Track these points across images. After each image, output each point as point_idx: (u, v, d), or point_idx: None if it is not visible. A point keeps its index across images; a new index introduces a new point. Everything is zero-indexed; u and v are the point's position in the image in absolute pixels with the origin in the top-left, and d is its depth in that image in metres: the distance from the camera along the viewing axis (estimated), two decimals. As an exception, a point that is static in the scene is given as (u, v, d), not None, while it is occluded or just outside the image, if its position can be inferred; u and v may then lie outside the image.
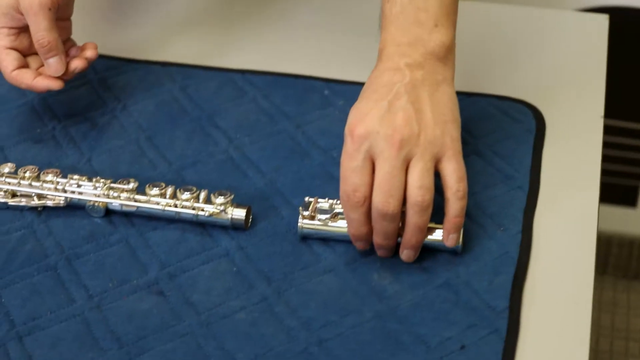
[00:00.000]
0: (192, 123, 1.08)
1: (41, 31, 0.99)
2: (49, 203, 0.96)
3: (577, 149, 1.02)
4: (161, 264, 0.91)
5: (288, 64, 1.16)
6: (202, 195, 0.93)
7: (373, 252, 0.90)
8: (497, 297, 0.85)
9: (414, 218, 0.85)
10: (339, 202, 0.90)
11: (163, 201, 0.94)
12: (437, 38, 0.89)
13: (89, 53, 1.06)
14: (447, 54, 0.90)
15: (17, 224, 0.96)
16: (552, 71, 1.13)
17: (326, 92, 1.11)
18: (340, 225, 0.90)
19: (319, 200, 0.91)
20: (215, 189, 0.95)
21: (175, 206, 0.93)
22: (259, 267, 0.90)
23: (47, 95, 1.12)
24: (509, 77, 1.12)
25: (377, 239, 0.87)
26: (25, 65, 1.03)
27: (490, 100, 1.08)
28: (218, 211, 0.92)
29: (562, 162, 1.00)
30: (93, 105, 1.11)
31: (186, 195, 0.93)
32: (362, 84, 1.08)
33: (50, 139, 1.07)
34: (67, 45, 1.07)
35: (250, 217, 0.94)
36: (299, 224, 0.91)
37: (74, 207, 0.96)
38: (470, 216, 0.93)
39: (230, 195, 0.93)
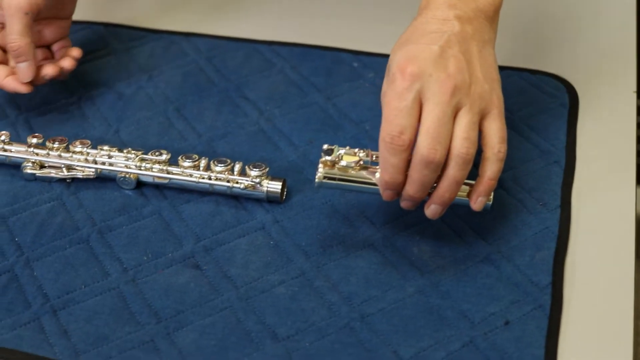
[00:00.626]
0: (220, 94, 1.06)
1: (13, 34, 0.97)
2: (79, 175, 0.94)
3: (611, 124, 1.01)
4: (196, 237, 0.89)
5: (315, 35, 1.14)
6: (237, 167, 0.92)
7: (411, 226, 0.89)
8: (540, 272, 0.84)
9: (453, 170, 0.80)
10: (362, 151, 0.85)
11: (196, 173, 0.92)
12: None
13: (66, 63, 1.03)
14: (494, 16, 0.87)
15: (46, 196, 0.94)
16: (583, 46, 1.12)
17: (355, 64, 1.09)
18: (364, 176, 0.85)
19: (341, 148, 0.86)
20: (247, 161, 0.94)
21: (209, 179, 0.91)
22: (296, 241, 0.88)
23: (71, 65, 1.10)
24: (541, 52, 1.10)
25: (411, 190, 0.81)
26: (3, 61, 1.01)
27: (523, 75, 1.06)
28: (253, 184, 0.91)
29: (597, 137, 0.99)
30: (118, 76, 1.10)
31: (220, 167, 0.92)
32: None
33: (77, 109, 1.05)
34: (59, 44, 1.05)
35: (286, 190, 0.92)
36: (318, 173, 0.85)
37: (104, 179, 0.95)
38: (509, 190, 0.92)
39: (265, 168, 0.91)
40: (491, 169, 0.82)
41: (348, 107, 1.03)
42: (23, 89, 1.00)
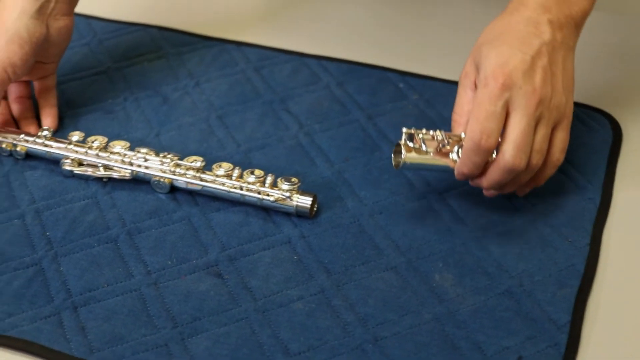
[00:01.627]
0: (264, 105, 1.07)
1: None
2: (115, 175, 0.96)
3: (654, 165, 1.00)
4: (222, 246, 0.90)
5: (364, 53, 1.15)
6: (269, 179, 0.92)
7: (436, 252, 0.89)
8: (560, 310, 0.83)
9: (521, 175, 0.87)
10: (440, 133, 0.88)
11: (229, 182, 0.93)
12: (582, 3, 0.89)
13: (31, 128, 1.04)
14: (582, 23, 0.91)
15: (81, 193, 0.96)
16: (633, 83, 1.10)
17: (401, 84, 1.09)
18: (442, 161, 0.88)
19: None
20: (282, 174, 0.94)
21: (241, 189, 0.92)
22: (320, 257, 0.89)
23: (121, 66, 1.12)
24: (587, 84, 1.09)
25: (487, 185, 0.88)
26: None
27: (568, 107, 1.05)
28: (283, 197, 0.91)
29: (637, 177, 0.97)
30: (166, 80, 1.11)
31: (252, 178, 0.93)
32: (438, 80, 1.07)
33: (121, 110, 1.07)
34: (40, 85, 1.06)
35: (316, 205, 0.93)
36: (403, 156, 0.87)
37: (139, 181, 0.96)
38: (538, 223, 0.91)
39: (297, 183, 0.92)
40: (545, 173, 0.89)
41: (388, 127, 1.03)
42: None
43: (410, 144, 0.87)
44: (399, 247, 0.90)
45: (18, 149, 0.99)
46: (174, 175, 0.94)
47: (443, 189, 0.95)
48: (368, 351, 0.80)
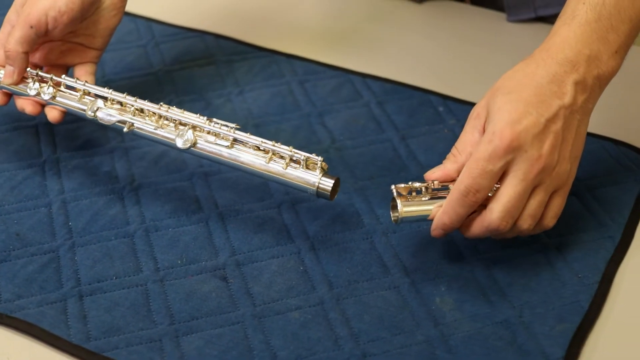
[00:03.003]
0: (301, 118, 1.08)
1: (12, 40, 0.97)
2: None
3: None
4: (232, 251, 0.92)
5: (408, 73, 1.15)
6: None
7: (441, 276, 0.89)
8: (555, 345, 0.82)
9: (505, 232, 0.85)
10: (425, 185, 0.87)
11: (260, 140, 0.91)
12: (612, 65, 0.86)
13: (50, 114, 1.00)
14: (606, 84, 0.87)
15: (109, 188, 0.99)
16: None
17: (441, 108, 1.10)
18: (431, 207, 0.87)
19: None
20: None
21: (267, 152, 0.90)
22: (326, 270, 0.90)
23: (172, 69, 1.16)
24: (629, 123, 1.07)
25: (464, 233, 0.87)
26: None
27: (605, 143, 1.04)
28: (315, 161, 0.88)
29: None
30: (212, 86, 1.14)
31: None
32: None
33: (163, 112, 1.09)
34: (81, 71, 1.04)
35: (338, 189, 0.90)
36: (399, 209, 0.86)
37: (168, 173, 0.99)
38: (550, 257, 0.91)
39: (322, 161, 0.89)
40: (526, 232, 0.87)
41: (419, 149, 1.04)
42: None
43: (404, 197, 0.87)
44: (406, 268, 0.90)
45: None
46: (206, 126, 0.92)
47: (461, 214, 0.95)
48: (354, 366, 0.81)
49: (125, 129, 0.94)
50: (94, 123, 0.97)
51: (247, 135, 0.91)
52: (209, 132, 0.92)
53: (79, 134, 1.06)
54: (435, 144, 1.04)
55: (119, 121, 0.94)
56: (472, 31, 1.24)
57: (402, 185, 0.87)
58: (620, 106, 1.09)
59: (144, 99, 0.96)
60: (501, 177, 0.83)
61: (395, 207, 0.87)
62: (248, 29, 1.24)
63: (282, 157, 0.90)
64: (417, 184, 0.87)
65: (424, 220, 0.88)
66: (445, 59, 1.19)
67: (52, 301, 0.87)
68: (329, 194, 0.88)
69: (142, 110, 0.95)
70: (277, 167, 0.89)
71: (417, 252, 0.91)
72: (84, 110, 0.96)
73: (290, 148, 0.89)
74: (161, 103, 0.94)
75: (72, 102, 0.97)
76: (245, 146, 0.91)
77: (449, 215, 0.85)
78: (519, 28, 1.24)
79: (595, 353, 0.83)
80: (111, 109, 0.95)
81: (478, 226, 0.85)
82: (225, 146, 0.91)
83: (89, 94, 0.97)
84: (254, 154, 0.90)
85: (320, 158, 0.88)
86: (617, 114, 1.08)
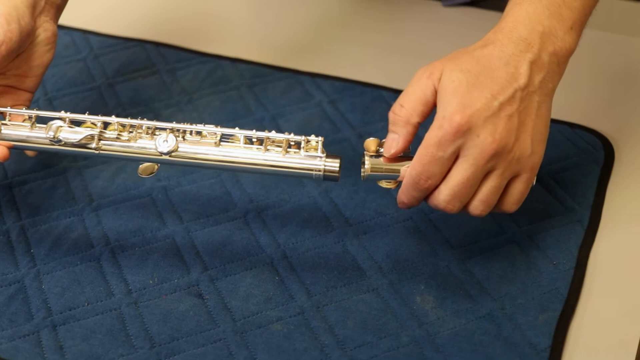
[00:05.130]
0: (254, 123, 1.07)
1: None
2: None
3: (646, 188, 0.98)
4: (204, 266, 0.90)
5: (358, 70, 1.14)
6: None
7: (418, 274, 0.88)
8: (540, 335, 0.83)
9: (461, 211, 0.84)
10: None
11: (252, 133, 0.85)
12: (568, 41, 0.84)
13: None
14: (565, 62, 0.85)
15: (68, 211, 0.96)
16: (629, 103, 1.09)
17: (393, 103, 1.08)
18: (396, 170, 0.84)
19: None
20: (267, 195, 0.94)
21: (266, 144, 0.85)
22: (302, 278, 0.88)
23: (114, 82, 1.13)
24: (578, 103, 1.08)
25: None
26: None
27: (560, 127, 1.04)
28: (314, 147, 0.84)
29: (627, 201, 0.96)
30: (158, 96, 1.11)
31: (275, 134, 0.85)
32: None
33: (112, 126, 1.07)
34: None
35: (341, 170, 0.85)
36: (366, 164, 0.84)
37: (125, 199, 0.96)
38: (523, 246, 0.91)
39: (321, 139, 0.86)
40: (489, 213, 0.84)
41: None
42: None
43: (373, 152, 0.85)
44: (382, 269, 0.89)
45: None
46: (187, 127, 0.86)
47: (429, 209, 0.94)
48: (344, 374, 0.80)
49: (93, 146, 0.85)
50: (53, 153, 0.90)
51: (235, 129, 0.86)
52: (190, 133, 0.87)
53: (26, 156, 1.02)
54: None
55: (86, 137, 0.85)
56: (410, 20, 1.23)
57: (372, 139, 0.86)
58: (570, 88, 1.09)
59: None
60: (453, 163, 0.81)
61: (364, 163, 0.85)
62: (189, 35, 1.21)
63: (278, 146, 0.85)
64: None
65: (394, 179, 0.85)
66: (395, 54, 1.18)
67: (25, 334, 0.84)
68: (337, 175, 0.84)
69: (106, 126, 0.87)
70: (276, 157, 0.84)
71: (390, 252, 0.91)
72: (40, 138, 0.86)
73: (286, 133, 0.85)
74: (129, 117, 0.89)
75: (22, 132, 0.87)
76: (234, 142, 0.86)
77: (406, 197, 0.84)
78: (455, 13, 1.24)
79: (579, 338, 0.83)
80: (72, 127, 0.86)
81: (430, 204, 0.83)
82: (213, 144, 0.85)
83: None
84: (247, 147, 0.85)
85: (320, 138, 0.85)
86: (568, 97, 1.08)
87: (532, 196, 0.94)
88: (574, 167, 1.00)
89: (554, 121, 1.03)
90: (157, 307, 0.86)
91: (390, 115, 0.85)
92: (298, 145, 0.85)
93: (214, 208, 0.96)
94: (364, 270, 0.89)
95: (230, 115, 1.08)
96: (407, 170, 0.83)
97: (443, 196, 0.81)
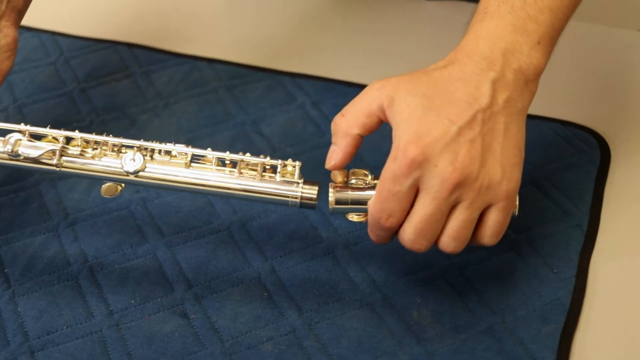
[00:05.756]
0: (235, 128, 1.02)
1: None
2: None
3: (644, 187, 0.95)
4: (188, 283, 0.85)
5: (340, 70, 1.10)
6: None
7: (413, 287, 0.84)
8: (544, 349, 0.79)
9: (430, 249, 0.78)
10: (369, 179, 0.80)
11: (225, 155, 0.81)
12: (536, 57, 0.77)
13: None
14: (534, 80, 0.78)
15: (42, 226, 0.91)
16: (623, 100, 1.05)
17: (379, 103, 1.04)
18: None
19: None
20: (251, 205, 0.91)
21: (240, 167, 0.80)
22: (292, 294, 0.84)
23: (87, 87, 1.08)
24: (575, 102, 1.04)
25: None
26: None
27: (552, 125, 1.01)
28: (291, 172, 0.81)
29: (626, 202, 0.93)
30: (134, 100, 1.06)
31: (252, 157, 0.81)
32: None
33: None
34: None
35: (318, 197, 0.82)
36: (330, 199, 0.79)
37: (102, 213, 0.92)
38: (522, 254, 0.87)
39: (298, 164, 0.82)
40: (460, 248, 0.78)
41: (364, 150, 0.97)
42: None
43: (339, 184, 0.80)
44: (375, 282, 0.85)
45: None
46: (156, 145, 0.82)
47: (422, 216, 0.90)
48: (341, 397, 0.76)
49: (54, 163, 0.81)
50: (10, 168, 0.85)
51: (207, 150, 0.82)
52: (160, 152, 0.82)
53: (-4, 169, 0.98)
54: (380, 143, 0.98)
55: (47, 153, 0.81)
56: (393, 16, 1.19)
57: (339, 171, 0.81)
58: (561, 84, 1.06)
59: (63, 125, 0.87)
60: (418, 192, 0.75)
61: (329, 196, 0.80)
62: (163, 35, 1.17)
63: (252, 169, 0.81)
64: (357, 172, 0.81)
65: (363, 212, 0.80)
66: (380, 52, 1.13)
67: (1, 362, 0.79)
68: (314, 203, 0.80)
69: (69, 141, 0.83)
70: (250, 182, 0.80)
71: (383, 263, 0.87)
72: None
73: (261, 156, 0.81)
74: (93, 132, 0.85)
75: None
76: (205, 163, 0.81)
77: (373, 235, 0.79)
78: (438, 7, 1.20)
79: (584, 352, 0.79)
80: (32, 141, 0.82)
81: (398, 239, 0.78)
82: (183, 165, 0.81)
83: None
84: (219, 170, 0.81)
85: (298, 163, 0.81)
86: (561, 94, 1.05)
87: (530, 200, 0.91)
88: (570, 168, 0.96)
89: (544, 119, 1.01)
90: (141, 328, 0.81)
91: (332, 125, 0.80)
92: (274, 169, 0.81)
93: (196, 220, 0.91)
94: (356, 283, 0.85)
95: (210, 120, 1.03)
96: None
97: (407, 235, 0.76)
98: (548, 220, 0.90)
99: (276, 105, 1.05)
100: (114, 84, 1.09)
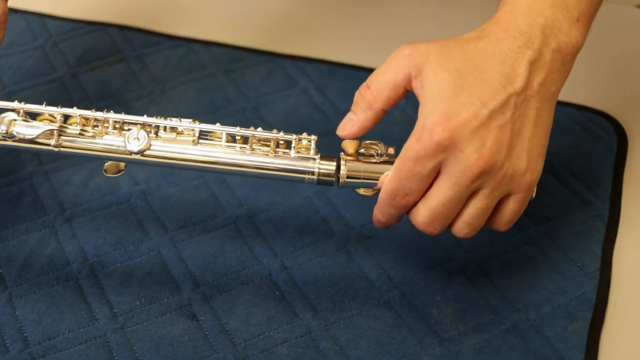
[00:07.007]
0: (236, 114, 0.98)
1: None
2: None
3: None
4: (195, 282, 0.81)
5: (344, 52, 1.05)
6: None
7: (432, 283, 0.81)
8: (572, 347, 0.76)
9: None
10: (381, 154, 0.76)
11: (235, 130, 0.76)
12: (574, 35, 0.73)
13: None
14: (571, 60, 0.74)
15: (38, 222, 0.86)
16: (638, 82, 1.02)
17: (385, 87, 1.00)
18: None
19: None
20: (256, 197, 0.86)
21: (251, 143, 0.76)
22: (305, 292, 0.80)
23: (78, 72, 1.03)
24: (591, 86, 1.00)
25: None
26: None
27: (568, 110, 0.97)
28: (307, 146, 0.76)
29: (646, 187, 0.90)
30: (128, 86, 1.01)
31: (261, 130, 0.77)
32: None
33: (80, 123, 0.97)
34: None
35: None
36: (341, 171, 0.75)
37: (102, 207, 0.87)
38: (543, 247, 0.83)
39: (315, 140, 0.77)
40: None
41: (374, 136, 0.93)
42: None
43: (351, 155, 0.76)
44: (392, 278, 0.81)
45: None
46: (161, 122, 0.77)
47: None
48: (363, 404, 0.72)
49: (53, 143, 0.76)
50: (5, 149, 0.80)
51: (216, 125, 0.77)
52: (165, 129, 0.77)
53: (-14, 161, 0.93)
54: (389, 129, 0.95)
55: (44, 133, 0.76)
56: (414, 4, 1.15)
57: (350, 140, 0.76)
58: (577, 68, 1.02)
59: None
60: (438, 174, 0.71)
61: (339, 168, 0.76)
62: (156, 16, 1.11)
63: (265, 145, 0.76)
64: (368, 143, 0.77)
65: (371, 187, 0.76)
66: (387, 33, 1.09)
67: (0, 370, 0.75)
68: (332, 179, 0.76)
69: (67, 119, 0.77)
70: (263, 158, 0.75)
71: (399, 258, 0.83)
72: None
73: (274, 130, 0.76)
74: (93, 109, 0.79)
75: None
76: (214, 139, 0.77)
77: (382, 214, 0.75)
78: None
79: (612, 349, 0.76)
80: (28, 121, 0.77)
81: (411, 221, 0.74)
82: (191, 142, 0.76)
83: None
84: (230, 146, 0.76)
85: (314, 137, 0.77)
86: (575, 76, 1.00)
87: (548, 190, 0.88)
88: (586, 155, 0.92)
89: (559, 103, 0.96)
90: (147, 332, 0.77)
91: (356, 94, 0.76)
92: (288, 144, 0.77)
93: (200, 214, 0.87)
94: (372, 280, 0.81)
95: (209, 107, 0.99)
96: (385, 179, 0.74)
97: (421, 217, 0.72)
98: (567, 211, 0.87)
99: (278, 91, 1.01)
100: (107, 69, 1.03)
